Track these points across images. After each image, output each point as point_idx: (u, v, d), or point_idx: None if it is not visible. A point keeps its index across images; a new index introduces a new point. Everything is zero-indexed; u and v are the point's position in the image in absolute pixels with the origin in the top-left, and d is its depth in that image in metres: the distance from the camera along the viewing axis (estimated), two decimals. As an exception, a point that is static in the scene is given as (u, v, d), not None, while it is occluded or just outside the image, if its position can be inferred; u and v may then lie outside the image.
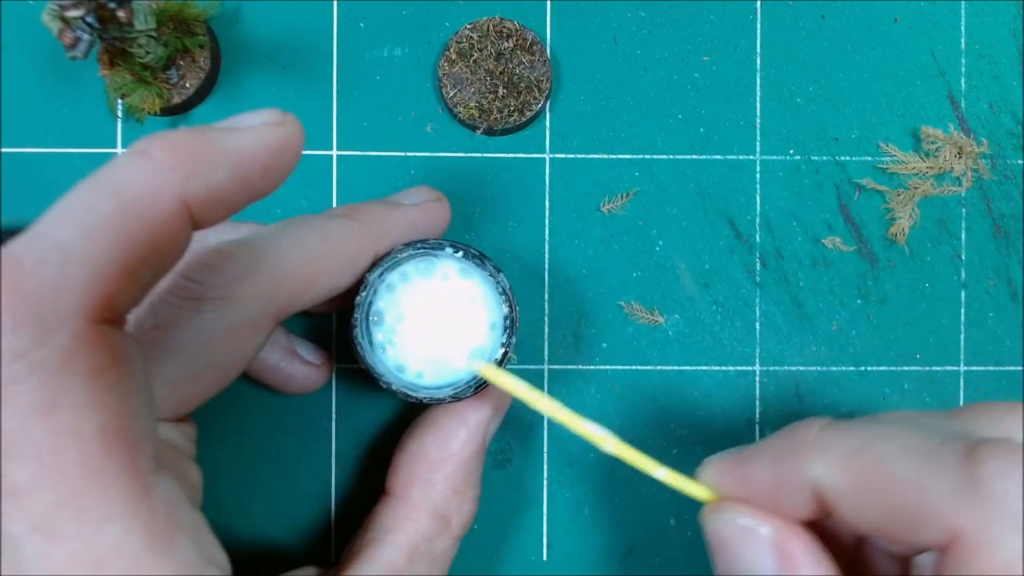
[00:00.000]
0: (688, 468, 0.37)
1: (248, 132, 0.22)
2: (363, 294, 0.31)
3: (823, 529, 0.26)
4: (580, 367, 0.36)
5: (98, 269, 0.19)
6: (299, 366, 0.34)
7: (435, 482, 0.31)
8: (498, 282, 0.31)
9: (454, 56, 0.36)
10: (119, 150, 0.36)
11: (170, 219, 0.21)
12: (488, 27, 0.36)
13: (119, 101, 0.35)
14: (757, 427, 0.36)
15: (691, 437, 0.36)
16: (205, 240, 0.29)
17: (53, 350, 0.19)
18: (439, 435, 0.31)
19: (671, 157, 0.37)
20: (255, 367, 0.33)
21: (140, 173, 0.20)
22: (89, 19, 0.30)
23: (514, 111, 0.36)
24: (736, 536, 0.25)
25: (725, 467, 0.26)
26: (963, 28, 0.37)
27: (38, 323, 0.19)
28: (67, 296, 0.19)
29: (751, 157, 0.37)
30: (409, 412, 0.36)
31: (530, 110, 0.36)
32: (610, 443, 0.26)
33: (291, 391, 0.34)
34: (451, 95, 0.36)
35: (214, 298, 0.26)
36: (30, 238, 0.19)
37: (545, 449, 0.36)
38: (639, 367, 0.36)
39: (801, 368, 0.37)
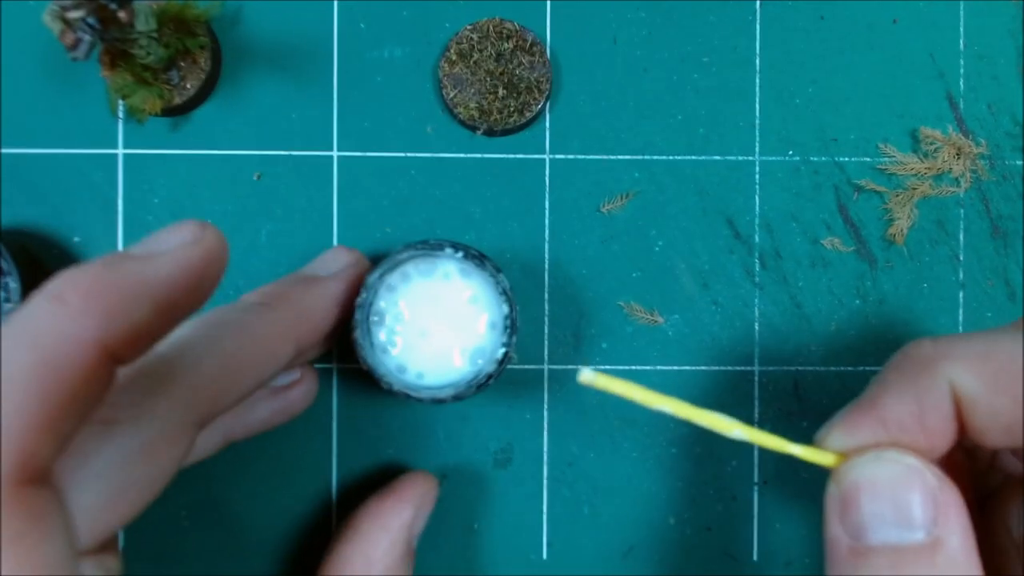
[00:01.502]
0: (686, 468, 0.37)
1: (167, 258, 0.21)
2: (364, 295, 0.31)
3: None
4: (580, 367, 0.37)
5: (18, 429, 0.18)
6: (282, 398, 0.32)
7: None
8: (498, 282, 0.31)
9: (454, 57, 0.36)
10: (120, 151, 0.36)
11: (91, 366, 0.19)
12: (488, 28, 0.36)
13: (120, 102, 0.35)
14: (756, 427, 0.37)
15: (690, 436, 0.36)
16: None
17: None
18: (361, 544, 0.30)
19: (670, 158, 0.37)
20: (245, 431, 0.32)
21: (56, 321, 0.19)
22: (90, 20, 0.30)
23: (514, 112, 0.36)
24: (899, 477, 0.24)
25: (854, 421, 0.25)
26: (962, 29, 0.37)
27: None
28: None
29: (750, 158, 0.37)
30: (411, 413, 0.36)
31: (530, 111, 0.36)
32: (736, 429, 0.26)
33: (295, 414, 0.33)
34: (451, 96, 0.36)
35: (125, 419, 0.24)
36: None
37: (545, 449, 0.37)
38: (639, 367, 0.37)
39: (800, 368, 0.37)
